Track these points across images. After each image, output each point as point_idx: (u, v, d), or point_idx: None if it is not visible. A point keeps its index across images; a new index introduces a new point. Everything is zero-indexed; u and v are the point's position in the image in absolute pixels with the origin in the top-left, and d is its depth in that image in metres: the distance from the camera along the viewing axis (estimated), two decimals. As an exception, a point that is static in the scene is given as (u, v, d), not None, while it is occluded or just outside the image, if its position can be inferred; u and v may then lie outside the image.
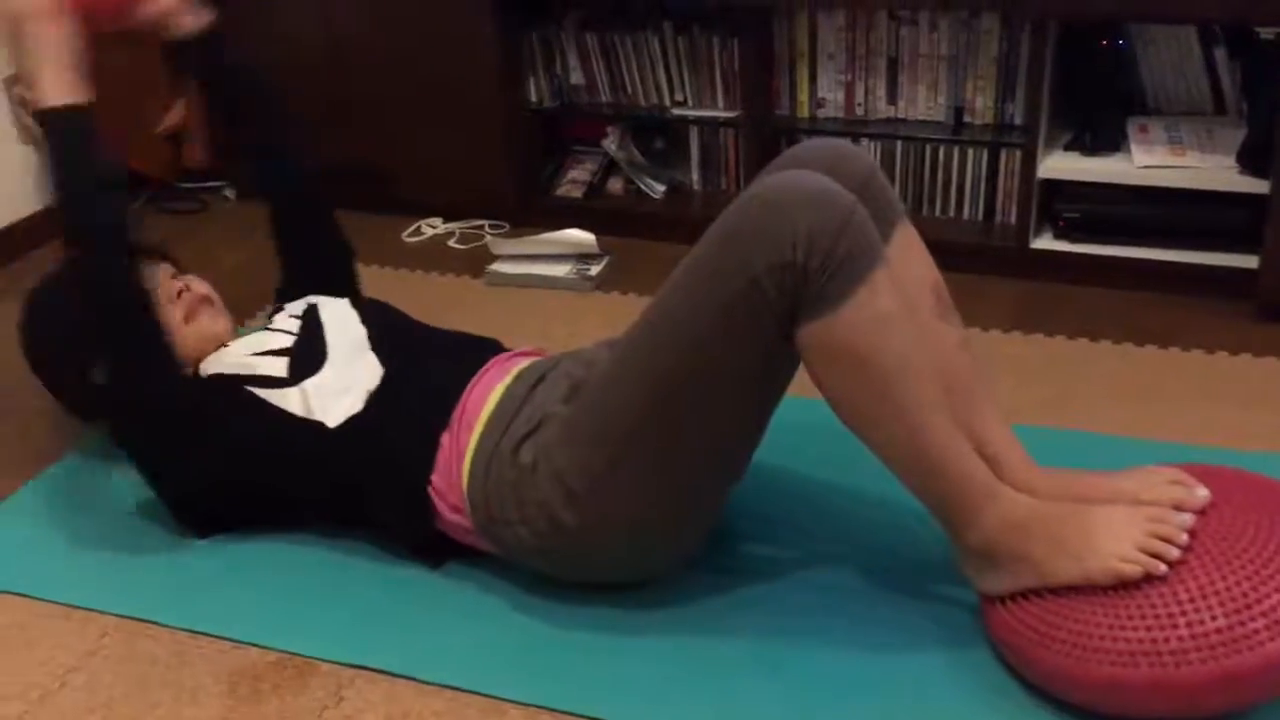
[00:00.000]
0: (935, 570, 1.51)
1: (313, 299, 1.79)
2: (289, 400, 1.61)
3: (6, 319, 1.86)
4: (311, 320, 1.73)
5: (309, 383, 1.61)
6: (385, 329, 1.72)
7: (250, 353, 1.68)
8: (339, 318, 1.73)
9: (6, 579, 1.67)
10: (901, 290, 1.33)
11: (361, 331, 1.70)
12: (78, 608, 1.60)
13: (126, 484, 1.81)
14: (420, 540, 1.59)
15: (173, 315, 1.71)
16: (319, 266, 1.91)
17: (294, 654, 1.50)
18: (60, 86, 1.62)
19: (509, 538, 1.49)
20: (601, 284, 2.43)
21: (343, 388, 1.60)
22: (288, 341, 1.69)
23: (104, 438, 1.82)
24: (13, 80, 2.66)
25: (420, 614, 1.54)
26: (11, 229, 2.69)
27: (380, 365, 1.63)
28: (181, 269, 1.84)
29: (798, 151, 1.51)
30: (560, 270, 2.45)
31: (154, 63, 2.84)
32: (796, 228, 1.27)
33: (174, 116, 2.89)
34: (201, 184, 2.95)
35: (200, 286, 1.79)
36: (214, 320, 1.77)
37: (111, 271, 1.61)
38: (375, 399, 1.59)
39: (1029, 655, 1.32)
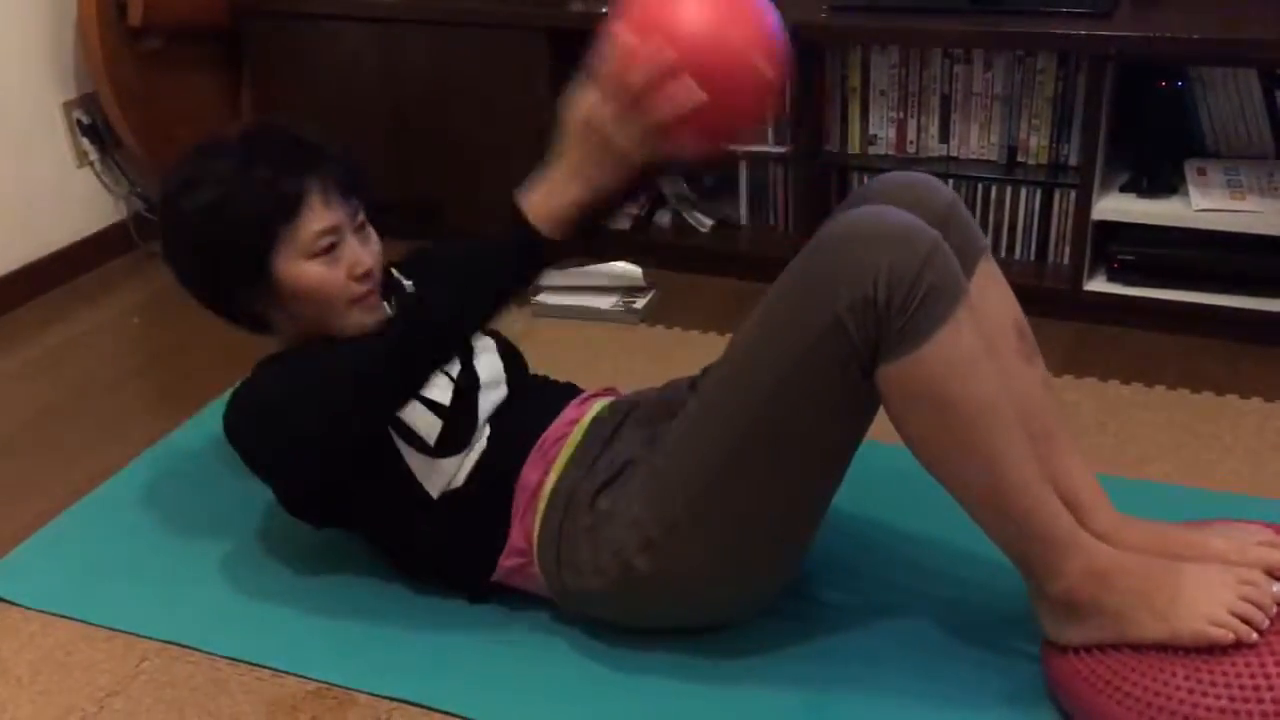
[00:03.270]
0: (1011, 625, 1.47)
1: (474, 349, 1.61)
2: (415, 461, 1.48)
3: (77, 334, 1.86)
4: (469, 378, 1.55)
5: (449, 461, 1.49)
6: (514, 391, 1.59)
7: None
8: (491, 378, 1.57)
9: (50, 601, 1.67)
10: (984, 328, 1.30)
11: (502, 396, 1.57)
12: (119, 631, 1.60)
13: (171, 509, 1.81)
14: (474, 586, 1.57)
15: (345, 291, 1.49)
16: None
17: (333, 685, 1.49)
18: (554, 217, 1.37)
19: (572, 583, 1.46)
20: (647, 318, 2.42)
21: (462, 467, 1.51)
22: (445, 397, 1.50)
23: (165, 455, 1.80)
24: (73, 104, 2.70)
25: (462, 647, 1.53)
26: (67, 251, 2.72)
27: (488, 435, 1.53)
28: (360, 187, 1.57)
29: (875, 184, 1.48)
30: (606, 303, 2.44)
31: (208, 90, 2.88)
32: (879, 264, 1.24)
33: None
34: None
35: (377, 270, 1.54)
36: (376, 312, 1.54)
37: (414, 388, 1.46)
38: (475, 473, 1.50)
39: (1099, 709, 1.28)
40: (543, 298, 2.48)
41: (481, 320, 1.45)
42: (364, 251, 1.52)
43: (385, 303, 1.61)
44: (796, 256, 1.33)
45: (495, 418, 1.54)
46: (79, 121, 2.72)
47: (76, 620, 1.63)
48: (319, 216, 1.47)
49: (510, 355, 1.66)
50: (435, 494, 1.50)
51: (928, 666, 1.45)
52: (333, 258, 1.49)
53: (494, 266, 1.40)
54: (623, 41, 1.29)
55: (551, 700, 1.44)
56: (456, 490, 1.50)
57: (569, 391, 1.65)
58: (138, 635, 1.59)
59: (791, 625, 1.52)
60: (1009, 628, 1.47)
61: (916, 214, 1.30)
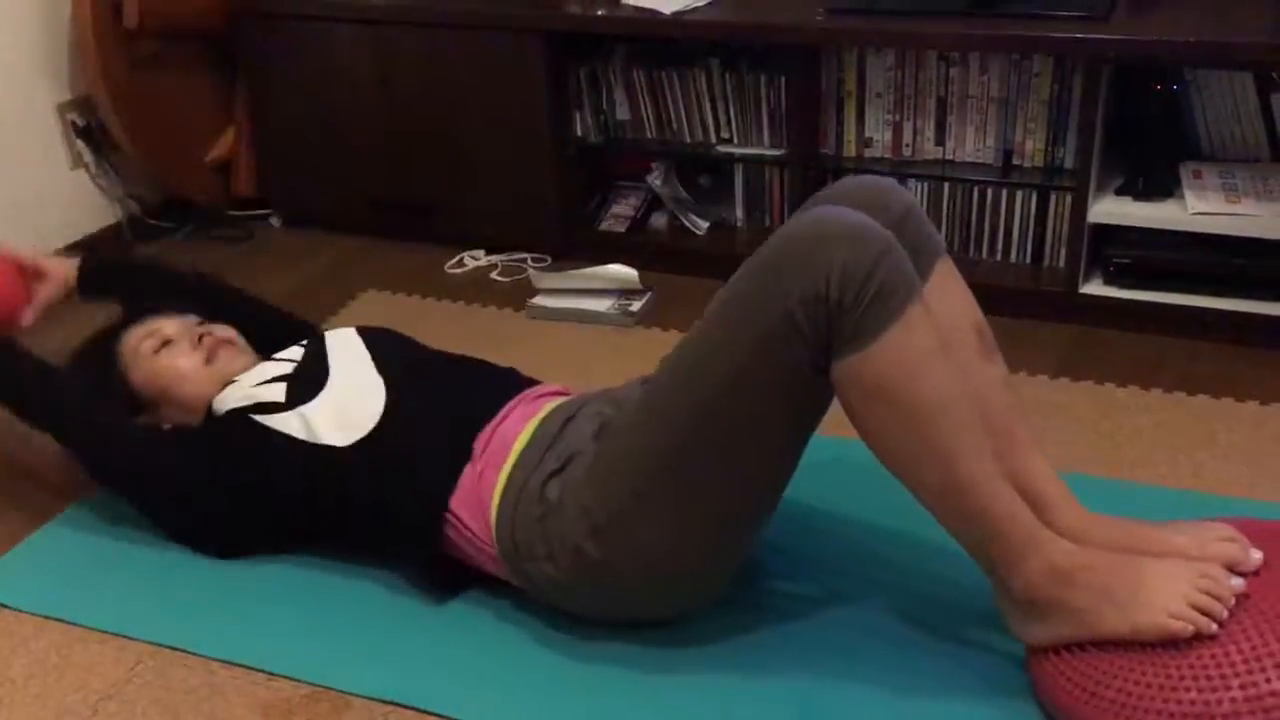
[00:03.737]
0: (970, 616, 1.49)
1: (323, 329, 1.83)
2: (289, 425, 1.62)
3: (67, 339, 1.87)
4: (315, 347, 1.75)
5: (307, 407, 1.62)
6: (392, 354, 1.72)
7: (253, 383, 1.69)
8: (343, 343, 1.75)
9: (44, 604, 1.67)
10: (940, 328, 1.31)
11: (366, 355, 1.71)
12: (114, 634, 1.60)
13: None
14: (427, 561, 1.58)
15: (194, 359, 1.76)
16: (264, 330, 1.92)
17: (328, 688, 1.49)
18: None
19: (534, 574, 1.48)
20: (643, 320, 2.42)
21: (345, 411, 1.61)
22: (289, 368, 1.71)
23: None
24: (67, 106, 2.70)
25: (455, 650, 1.53)
26: (61, 253, 2.71)
27: (385, 387, 1.63)
28: (220, 298, 1.94)
29: (835, 188, 1.50)
30: (602, 305, 2.44)
31: (203, 92, 2.88)
32: (831, 262, 1.25)
33: (222, 146, 2.91)
34: (249, 212, 2.97)
35: (222, 331, 1.81)
36: (233, 360, 1.78)
37: (93, 431, 1.74)
38: (383, 423, 1.59)
39: (1078, 712, 1.29)
40: (539, 300, 2.48)
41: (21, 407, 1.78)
42: (201, 328, 1.83)
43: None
44: (754, 253, 1.34)
45: (391, 373, 1.65)
46: (74, 124, 2.72)
47: (71, 623, 1.63)
48: (135, 332, 1.81)
49: (379, 330, 1.81)
50: (342, 442, 1.57)
51: (888, 657, 1.46)
52: (171, 346, 1.79)
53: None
54: None
55: (547, 701, 1.44)
56: (368, 436, 1.57)
57: (516, 377, 1.72)
58: (132, 638, 1.59)
59: (751, 616, 1.54)
60: (972, 622, 1.48)
61: (872, 216, 1.32)
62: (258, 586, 1.67)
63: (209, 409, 1.71)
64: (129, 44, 2.65)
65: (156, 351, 1.77)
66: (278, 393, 1.66)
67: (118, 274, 2.00)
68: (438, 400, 1.62)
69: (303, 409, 1.62)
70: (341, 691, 1.48)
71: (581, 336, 2.37)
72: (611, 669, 1.48)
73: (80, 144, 2.73)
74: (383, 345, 1.75)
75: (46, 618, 1.64)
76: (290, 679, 1.51)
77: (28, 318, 1.87)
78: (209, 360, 1.76)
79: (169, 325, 1.80)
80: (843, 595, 1.57)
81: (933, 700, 1.39)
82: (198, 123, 2.87)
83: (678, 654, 1.49)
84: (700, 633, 1.51)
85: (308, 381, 1.67)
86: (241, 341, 1.83)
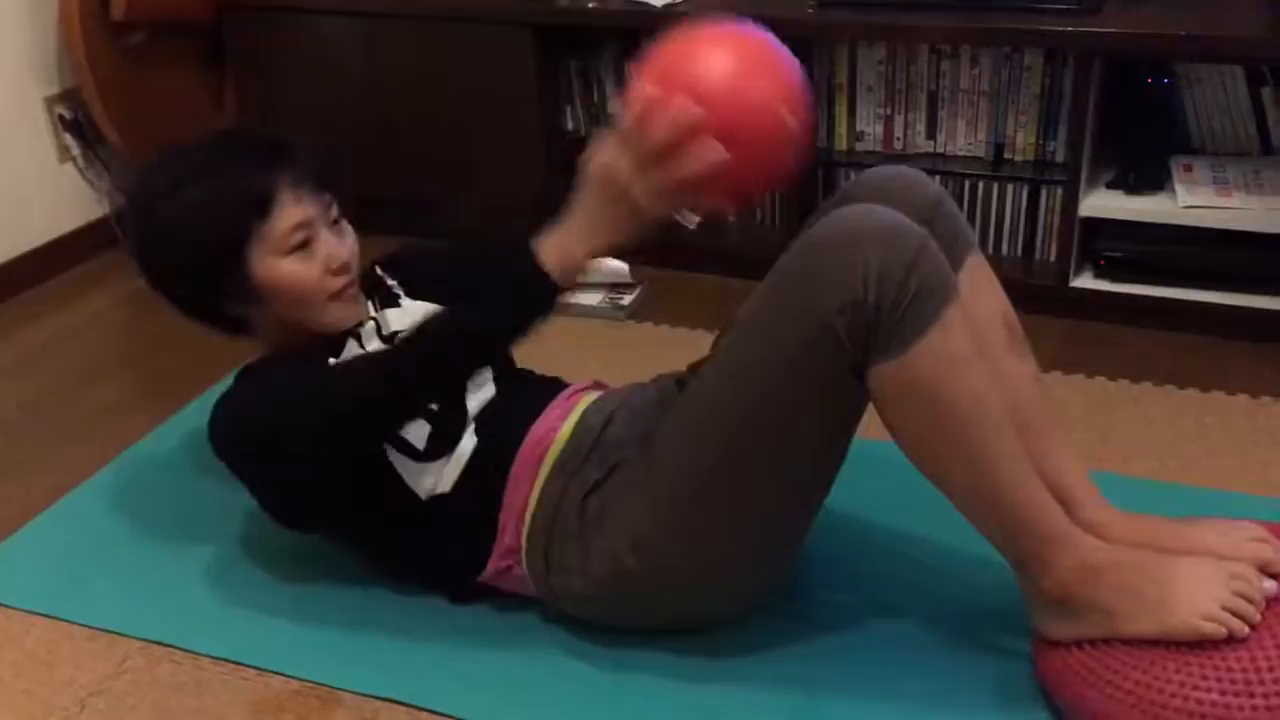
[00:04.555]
0: (1009, 623, 1.46)
1: None
2: (403, 465, 1.46)
3: (59, 331, 1.84)
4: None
5: (439, 464, 1.47)
6: (500, 388, 1.54)
7: None
8: (480, 378, 1.54)
9: (31, 599, 1.66)
10: (974, 324, 1.29)
11: (490, 395, 1.53)
12: (102, 630, 1.59)
13: (152, 507, 1.80)
14: (462, 585, 1.56)
15: (323, 286, 1.49)
16: None
17: (319, 684, 1.48)
18: (567, 265, 1.37)
19: (560, 585, 1.45)
20: (634, 314, 2.42)
21: (448, 471, 1.48)
22: (435, 406, 1.49)
23: (148, 453, 1.80)
24: (55, 99, 2.68)
25: (449, 646, 1.52)
26: (49, 247, 2.70)
27: (475, 438, 1.49)
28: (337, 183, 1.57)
29: (861, 181, 1.47)
30: (592, 299, 2.43)
31: (192, 85, 2.86)
32: (867, 264, 1.23)
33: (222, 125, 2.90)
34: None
35: (354, 262, 1.54)
36: (355, 306, 1.55)
37: (410, 417, 1.46)
38: (463, 478, 1.48)
39: (1092, 706, 1.28)
40: (529, 294, 2.47)
41: (481, 360, 1.47)
42: (339, 246, 1.52)
43: (369, 300, 1.60)
44: (784, 255, 1.32)
45: (481, 416, 1.51)
46: (61, 117, 2.70)
47: (58, 619, 1.62)
48: (290, 212, 1.46)
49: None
50: (423, 496, 1.48)
51: (920, 665, 1.44)
52: (308, 253, 1.48)
53: (504, 311, 1.41)
54: (646, 95, 1.26)
55: (538, 700, 1.43)
56: (444, 493, 1.48)
57: (555, 386, 1.63)
58: (120, 634, 1.58)
59: (782, 624, 1.51)
60: (1002, 625, 1.47)
61: (903, 211, 1.30)
62: (247, 582, 1.66)
63: (316, 339, 1.51)
64: (116, 36, 2.63)
65: (293, 251, 1.47)
66: (419, 435, 1.46)
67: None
68: (509, 447, 1.48)
69: (433, 465, 1.46)
70: (332, 687, 1.47)
71: (572, 330, 2.37)
72: (613, 668, 1.46)
73: (68, 137, 2.72)
74: (503, 380, 1.55)
75: (34, 614, 1.63)
76: (280, 674, 1.50)
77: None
78: (335, 297, 1.50)
79: (318, 220, 1.50)
80: (875, 603, 1.54)
81: (955, 712, 1.38)
82: (186, 116, 2.85)
83: (696, 662, 1.47)
84: (727, 642, 1.48)
85: (447, 435, 1.47)
86: (359, 282, 1.58)
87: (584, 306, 2.42)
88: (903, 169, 1.48)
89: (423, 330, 1.44)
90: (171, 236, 1.48)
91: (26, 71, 2.63)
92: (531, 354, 1.83)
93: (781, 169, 1.32)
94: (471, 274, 1.60)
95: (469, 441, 1.49)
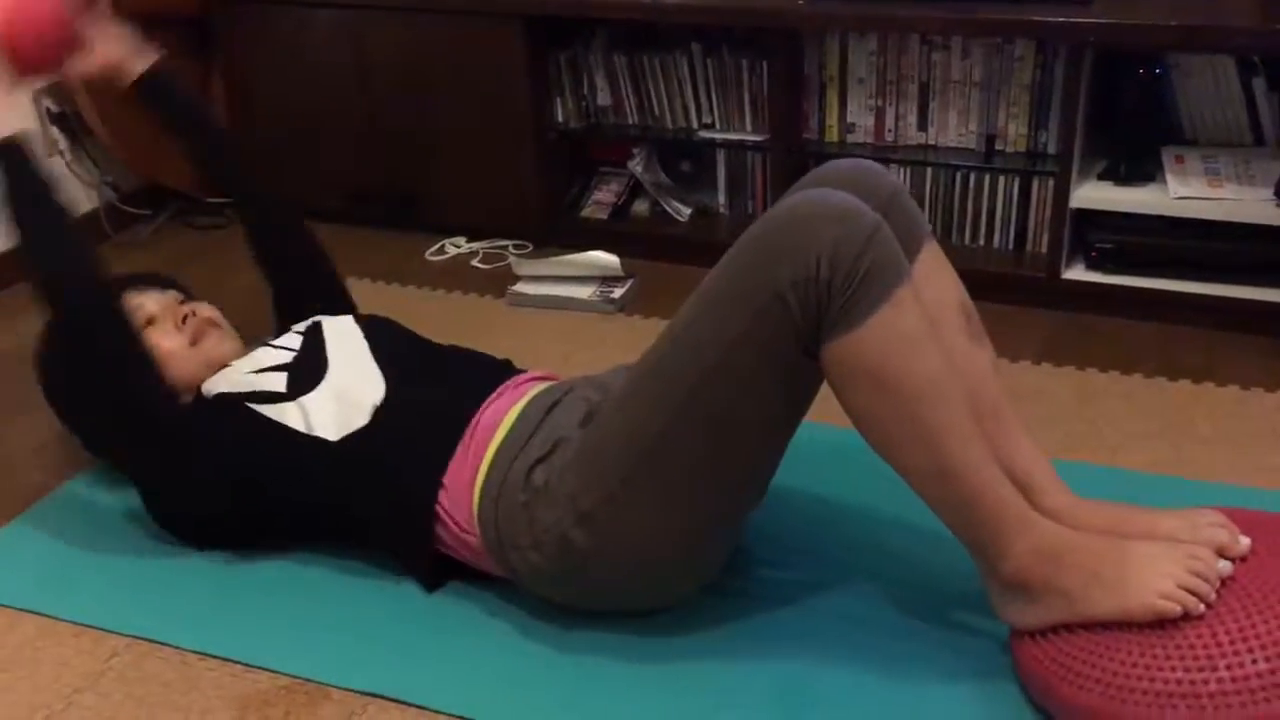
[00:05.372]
0: (959, 601, 1.48)
1: (318, 317, 1.78)
2: (288, 415, 1.59)
3: (33, 333, 1.84)
4: (313, 336, 1.73)
5: (308, 398, 1.60)
6: (390, 344, 1.70)
7: (250, 370, 1.67)
8: (341, 332, 1.72)
9: (18, 596, 1.65)
10: (929, 310, 1.30)
11: (364, 345, 1.69)
12: (88, 627, 1.58)
13: (139, 503, 1.78)
14: (421, 560, 1.56)
15: (179, 340, 1.72)
16: (301, 279, 1.92)
17: (306, 679, 1.47)
18: None
19: (518, 562, 1.46)
20: (625, 307, 2.41)
21: (345, 402, 1.59)
22: (288, 357, 1.68)
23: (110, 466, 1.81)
24: (41, 93, 2.67)
25: (435, 641, 1.52)
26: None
27: (383, 380, 1.62)
28: (190, 295, 1.85)
29: (822, 170, 1.49)
30: (584, 292, 2.43)
31: (190, 72, 2.84)
32: (821, 242, 1.25)
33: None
34: (226, 199, 2.93)
35: (206, 310, 1.78)
36: (220, 343, 1.76)
37: (94, 309, 1.61)
38: (380, 414, 1.57)
39: (1060, 693, 1.28)
40: (520, 287, 2.46)
41: (34, 234, 1.66)
42: (185, 307, 1.78)
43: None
44: (742, 235, 1.33)
45: (388, 364, 1.64)
46: (48, 110, 2.69)
47: (45, 615, 1.61)
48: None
49: (370, 318, 1.80)
50: (333, 437, 1.56)
51: (877, 645, 1.45)
52: (156, 325, 1.73)
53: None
54: None
55: (523, 691, 1.43)
56: (361, 429, 1.56)
57: (502, 366, 1.70)
58: (107, 630, 1.57)
59: (740, 603, 1.53)
60: (962, 608, 1.47)
61: (859, 198, 1.31)
62: (234, 578, 1.65)
63: (198, 392, 1.69)
64: (104, 29, 2.62)
65: (140, 330, 1.70)
66: (278, 382, 1.63)
67: (181, 100, 1.90)
68: (433, 394, 1.60)
69: (303, 400, 1.60)
70: (320, 683, 1.47)
71: (563, 323, 2.36)
72: (595, 658, 1.47)
73: (55, 131, 2.70)
74: (381, 335, 1.73)
75: (21, 610, 1.62)
76: (267, 670, 1.49)
77: (74, 64, 1.75)
78: (194, 341, 1.73)
79: (150, 302, 1.75)
80: (829, 582, 1.56)
81: (916, 685, 1.39)
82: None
83: (663, 642, 1.48)
84: (684, 621, 1.50)
85: (308, 371, 1.64)
86: (226, 325, 1.80)
87: (575, 300, 2.41)
88: (861, 160, 1.50)
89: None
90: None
91: (13, 64, 2.61)
92: (523, 346, 1.83)
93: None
94: None
95: (362, 379, 1.61)
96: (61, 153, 2.73)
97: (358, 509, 1.57)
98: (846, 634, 1.47)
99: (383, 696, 1.44)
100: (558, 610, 1.52)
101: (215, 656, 1.52)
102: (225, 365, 1.72)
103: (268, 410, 1.61)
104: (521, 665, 1.47)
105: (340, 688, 1.46)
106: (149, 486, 1.69)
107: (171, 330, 1.73)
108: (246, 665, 1.50)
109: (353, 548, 1.65)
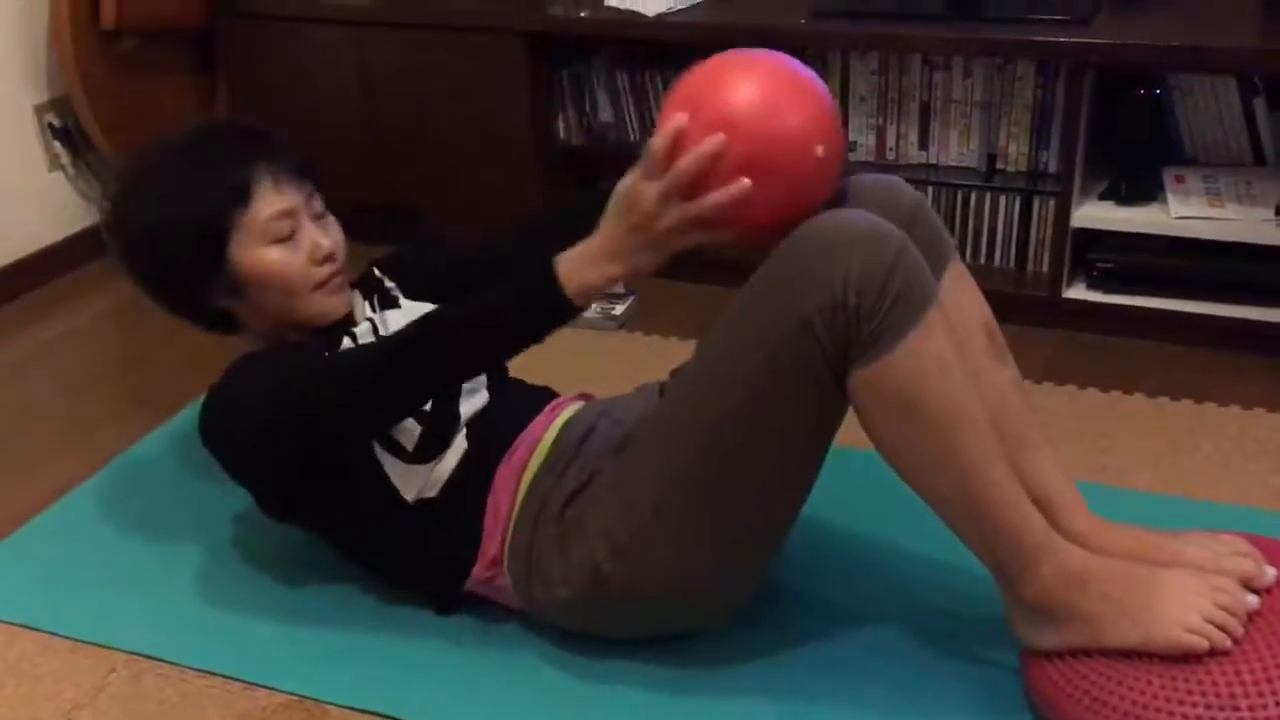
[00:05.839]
0: (989, 632, 1.45)
1: None
2: (391, 466, 1.47)
3: (49, 339, 1.83)
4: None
5: (423, 467, 1.48)
6: (492, 395, 1.56)
7: None
8: (473, 384, 1.54)
9: (16, 611, 1.64)
10: (954, 330, 1.28)
11: (483, 401, 1.55)
12: (86, 642, 1.58)
13: (137, 518, 1.78)
14: (445, 594, 1.55)
15: (309, 276, 1.49)
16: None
17: (305, 697, 1.47)
18: (587, 287, 1.32)
19: (542, 595, 1.44)
20: (626, 324, 2.41)
21: (436, 476, 1.49)
22: (426, 404, 1.49)
23: (134, 463, 1.79)
24: (44, 107, 2.67)
25: (434, 659, 1.51)
26: (38, 255, 2.69)
27: (466, 442, 1.50)
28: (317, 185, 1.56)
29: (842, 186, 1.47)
30: (585, 309, 2.42)
31: (183, 93, 2.85)
32: (847, 267, 1.22)
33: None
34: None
35: (340, 253, 1.54)
36: (340, 295, 1.54)
37: (405, 413, 1.44)
38: (451, 482, 1.49)
39: (1075, 717, 1.27)
40: (520, 304, 2.46)
41: (485, 364, 1.44)
42: (323, 235, 1.52)
43: (356, 291, 1.60)
44: (766, 260, 1.31)
45: (471, 422, 1.52)
46: (51, 125, 2.69)
47: (43, 631, 1.60)
48: (271, 201, 1.47)
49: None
50: (410, 498, 1.48)
51: (907, 677, 1.43)
52: (292, 243, 1.49)
53: (516, 320, 1.36)
54: (673, 125, 1.23)
55: (524, 712, 1.42)
56: (431, 498, 1.49)
57: (545, 395, 1.63)
58: (105, 646, 1.57)
59: (768, 633, 1.50)
60: (990, 637, 1.45)
61: (883, 216, 1.29)
62: (234, 595, 1.65)
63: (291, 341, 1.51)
64: (106, 44, 2.62)
65: (277, 241, 1.48)
66: (409, 437, 1.47)
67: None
68: (496, 453, 1.50)
69: (419, 468, 1.47)
70: (319, 700, 1.46)
71: (564, 340, 2.33)
72: (599, 685, 1.45)
73: (58, 145, 2.71)
74: (497, 389, 1.57)
75: (18, 625, 1.62)
76: (266, 688, 1.48)
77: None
78: (320, 286, 1.50)
79: (301, 211, 1.50)
80: (858, 611, 1.54)
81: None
82: (177, 122, 2.83)
83: (689, 671, 1.46)
84: (709, 650, 1.48)
85: (438, 438, 1.48)
86: (345, 273, 1.56)
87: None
88: (880, 176, 1.46)
89: (427, 318, 1.40)
90: (152, 232, 1.48)
91: (15, 79, 2.62)
92: (523, 363, 1.82)
93: (811, 200, 1.28)
94: (475, 277, 1.59)
95: (459, 446, 1.49)
96: (63, 167, 2.73)
97: (404, 553, 1.52)
98: (877, 664, 1.45)
99: (382, 714, 1.43)
100: (567, 633, 1.50)
101: (214, 674, 1.51)
102: (330, 319, 1.52)
103: (385, 460, 1.46)
104: (520, 685, 1.46)
105: (339, 705, 1.45)
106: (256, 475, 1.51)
107: (304, 259, 1.49)
108: (246, 682, 1.49)
109: (373, 573, 1.61)
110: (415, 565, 1.54)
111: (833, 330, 1.24)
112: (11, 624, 1.62)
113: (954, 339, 1.27)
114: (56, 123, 2.70)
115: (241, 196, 1.45)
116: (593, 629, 1.48)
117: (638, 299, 2.46)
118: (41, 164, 2.70)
